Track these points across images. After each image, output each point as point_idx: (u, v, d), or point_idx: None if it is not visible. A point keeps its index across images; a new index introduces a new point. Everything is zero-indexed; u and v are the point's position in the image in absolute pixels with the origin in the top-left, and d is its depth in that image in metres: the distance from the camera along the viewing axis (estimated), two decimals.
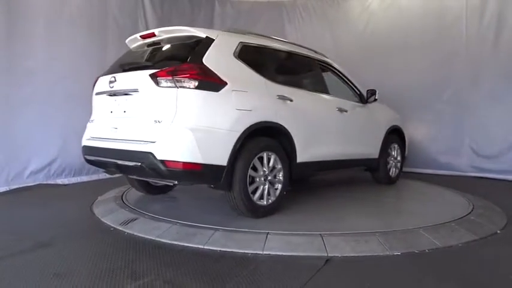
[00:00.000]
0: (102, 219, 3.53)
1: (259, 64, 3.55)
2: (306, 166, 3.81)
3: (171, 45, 3.51)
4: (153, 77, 3.05)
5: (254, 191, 3.35)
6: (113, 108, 3.41)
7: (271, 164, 3.45)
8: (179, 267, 2.48)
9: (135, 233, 3.11)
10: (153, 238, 2.99)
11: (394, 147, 5.22)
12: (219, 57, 3.24)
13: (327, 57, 4.60)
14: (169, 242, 2.92)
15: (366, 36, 7.12)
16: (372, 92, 4.72)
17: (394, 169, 5.24)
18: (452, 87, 6.36)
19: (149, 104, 3.12)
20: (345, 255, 2.71)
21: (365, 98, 4.74)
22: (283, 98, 3.57)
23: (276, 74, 3.74)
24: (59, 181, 5.33)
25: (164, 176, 3.10)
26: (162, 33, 3.55)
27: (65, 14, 5.41)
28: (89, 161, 3.71)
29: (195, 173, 3.02)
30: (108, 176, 5.70)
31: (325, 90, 4.28)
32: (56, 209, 4.01)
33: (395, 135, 5.22)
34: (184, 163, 2.92)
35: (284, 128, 3.51)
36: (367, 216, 3.66)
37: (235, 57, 3.36)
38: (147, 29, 6.37)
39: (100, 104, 3.61)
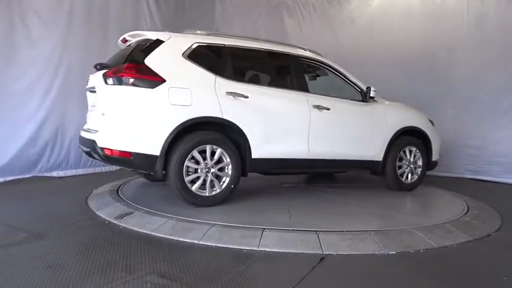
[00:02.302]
0: (97, 213, 3.53)
1: (214, 63, 3.75)
2: (264, 162, 3.85)
3: (133, 48, 3.73)
4: (103, 76, 3.49)
5: (196, 181, 3.54)
6: (91, 103, 3.93)
7: (216, 157, 3.58)
8: (174, 261, 2.47)
9: (130, 227, 3.11)
10: (148, 232, 2.99)
11: (411, 150, 4.78)
12: (164, 58, 3.52)
13: (320, 55, 4.47)
14: (165, 236, 2.92)
15: (367, 34, 7.07)
16: (367, 90, 4.48)
17: (410, 175, 4.80)
18: (453, 87, 6.36)
19: (101, 99, 3.59)
20: (340, 253, 2.71)
21: (366, 96, 4.51)
22: (234, 94, 3.65)
23: (232, 72, 3.83)
24: (55, 173, 5.31)
25: (106, 161, 3.58)
26: (130, 37, 3.94)
27: (66, 7, 5.36)
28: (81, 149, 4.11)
29: (127, 160, 3.41)
30: (104, 170, 5.78)
31: (301, 87, 4.18)
32: (51, 202, 4.00)
33: (413, 137, 4.83)
34: (118, 151, 3.34)
35: (233, 123, 3.62)
36: (363, 215, 3.67)
37: (184, 57, 3.58)
38: (151, 25, 6.48)
39: (88, 98, 4.08)
